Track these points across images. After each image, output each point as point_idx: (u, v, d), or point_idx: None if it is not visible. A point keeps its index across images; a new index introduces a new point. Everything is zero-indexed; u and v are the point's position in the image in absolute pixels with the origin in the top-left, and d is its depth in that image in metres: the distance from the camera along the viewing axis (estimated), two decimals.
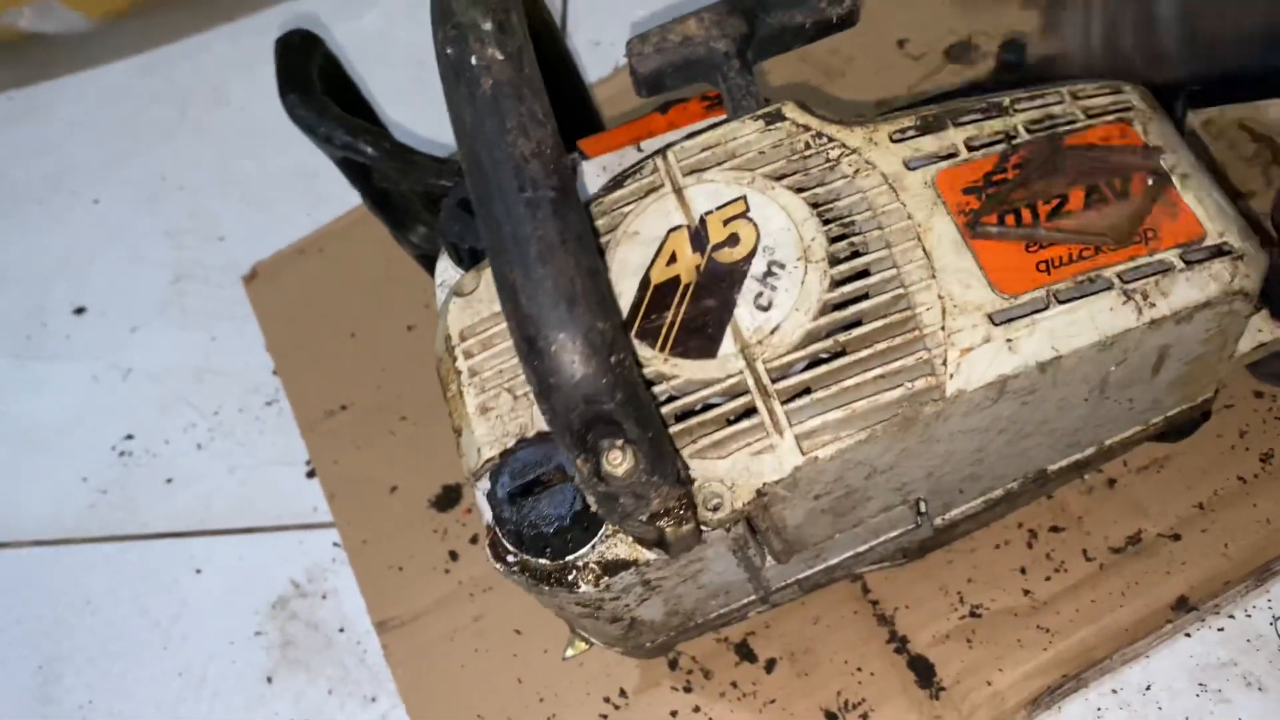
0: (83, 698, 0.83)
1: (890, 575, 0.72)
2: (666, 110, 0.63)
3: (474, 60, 0.44)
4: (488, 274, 0.57)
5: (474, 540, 0.82)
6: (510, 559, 0.51)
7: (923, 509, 0.59)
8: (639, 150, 0.62)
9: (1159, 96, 0.55)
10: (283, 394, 0.91)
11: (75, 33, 1.10)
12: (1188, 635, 0.67)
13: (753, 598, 0.63)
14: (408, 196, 0.68)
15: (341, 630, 0.81)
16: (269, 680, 0.81)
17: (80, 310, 1.00)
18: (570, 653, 0.68)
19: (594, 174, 0.62)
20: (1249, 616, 0.67)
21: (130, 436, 0.93)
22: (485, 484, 0.52)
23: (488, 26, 0.45)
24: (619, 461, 0.42)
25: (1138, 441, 0.62)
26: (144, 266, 1.01)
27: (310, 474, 0.87)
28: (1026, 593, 0.70)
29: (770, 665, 0.71)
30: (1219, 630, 0.67)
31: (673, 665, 0.72)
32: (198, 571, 0.86)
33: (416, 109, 0.95)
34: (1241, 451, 0.70)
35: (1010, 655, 0.68)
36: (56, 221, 1.05)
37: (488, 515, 0.53)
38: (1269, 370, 0.63)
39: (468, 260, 0.61)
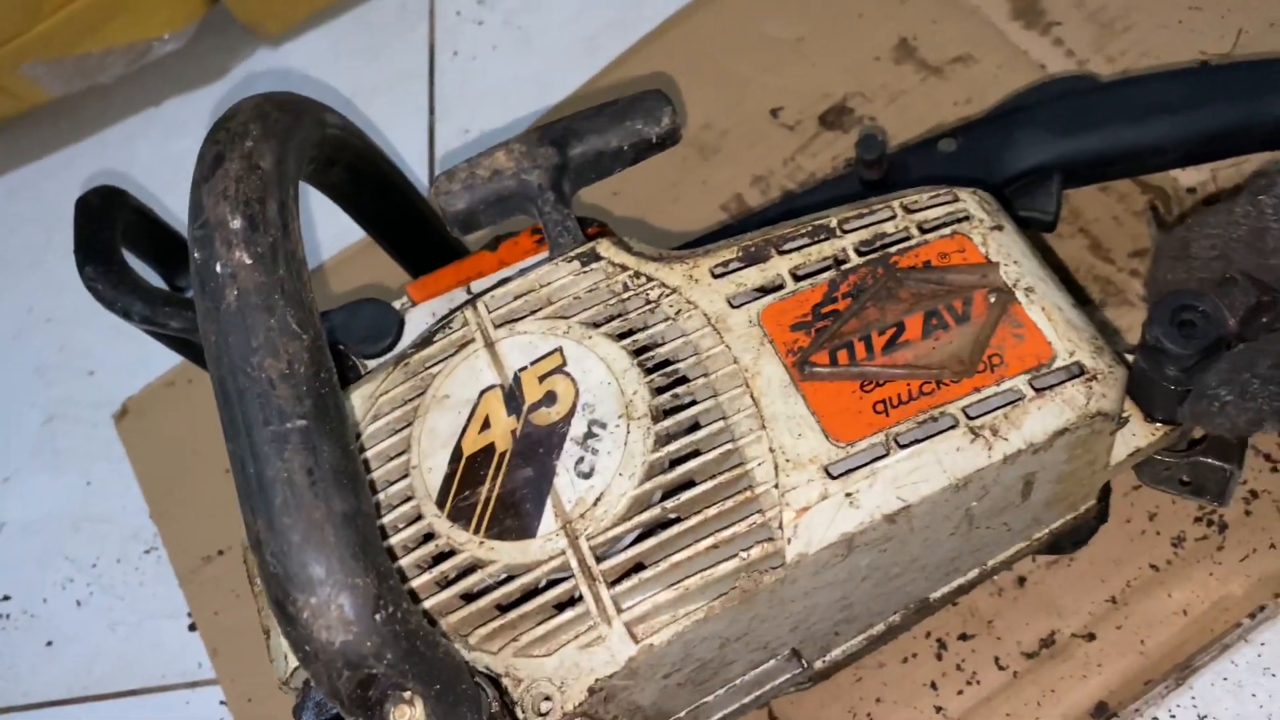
0: None
1: (795, 699, 0.67)
2: (496, 246, 0.58)
3: (218, 267, 0.40)
4: None
5: None
6: None
7: (798, 657, 0.54)
8: (469, 293, 0.57)
9: None
10: (160, 540, 0.86)
11: None
12: None
13: None
14: None
15: None
16: None
17: None
18: None
19: (423, 321, 0.57)
20: (1173, 718, 0.62)
21: (7, 598, 0.87)
22: (294, 699, 0.48)
23: (236, 225, 0.40)
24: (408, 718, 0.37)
25: (1026, 555, 0.58)
26: (13, 407, 0.95)
27: (192, 627, 0.82)
28: (939, 709, 0.65)
29: None
30: None
31: None
32: None
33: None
34: (1152, 536, 0.65)
35: None
36: None
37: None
38: (1154, 475, 0.59)
39: None
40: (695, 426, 0.47)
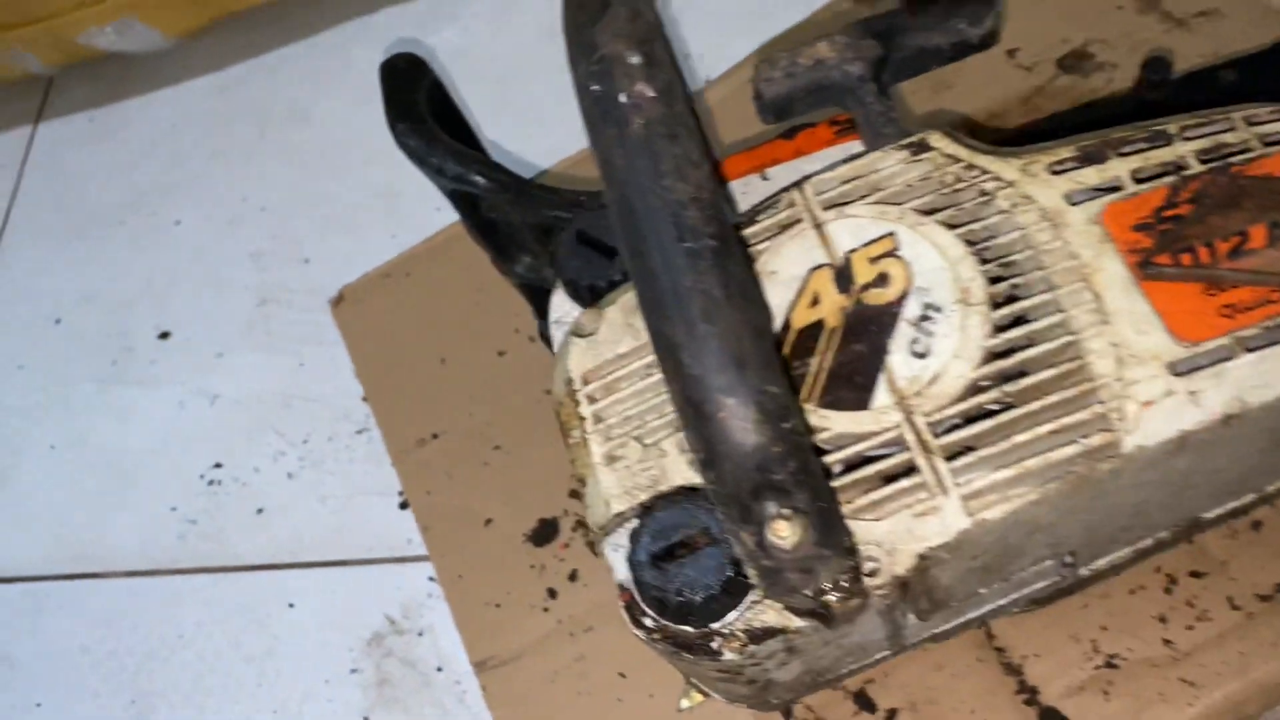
0: None
1: (1016, 621, 0.68)
2: (793, 136, 0.59)
3: (622, 97, 0.41)
4: (610, 313, 0.54)
5: (573, 577, 0.79)
6: (649, 624, 0.48)
7: (1070, 560, 0.55)
8: (764, 179, 0.59)
9: None
10: (373, 421, 0.89)
11: (153, 51, 1.09)
12: None
13: (886, 652, 0.60)
14: (515, 226, 0.66)
15: (439, 669, 0.79)
16: None
17: (165, 335, 0.99)
18: (685, 704, 0.65)
19: None
20: None
21: (219, 465, 0.91)
22: (617, 540, 0.49)
23: (635, 60, 0.42)
24: (786, 534, 0.39)
25: None
26: (228, 290, 0.99)
27: (403, 505, 0.85)
28: (1167, 642, 0.66)
29: (891, 716, 0.68)
30: None
31: (787, 715, 0.69)
32: (290, 605, 0.84)
33: (500, 126, 0.92)
34: None
35: (1151, 710, 0.64)
36: (138, 244, 1.04)
37: (621, 573, 0.50)
38: None
39: (587, 297, 0.58)
40: (1030, 318, 0.48)
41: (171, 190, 1.06)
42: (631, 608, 0.48)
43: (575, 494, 0.78)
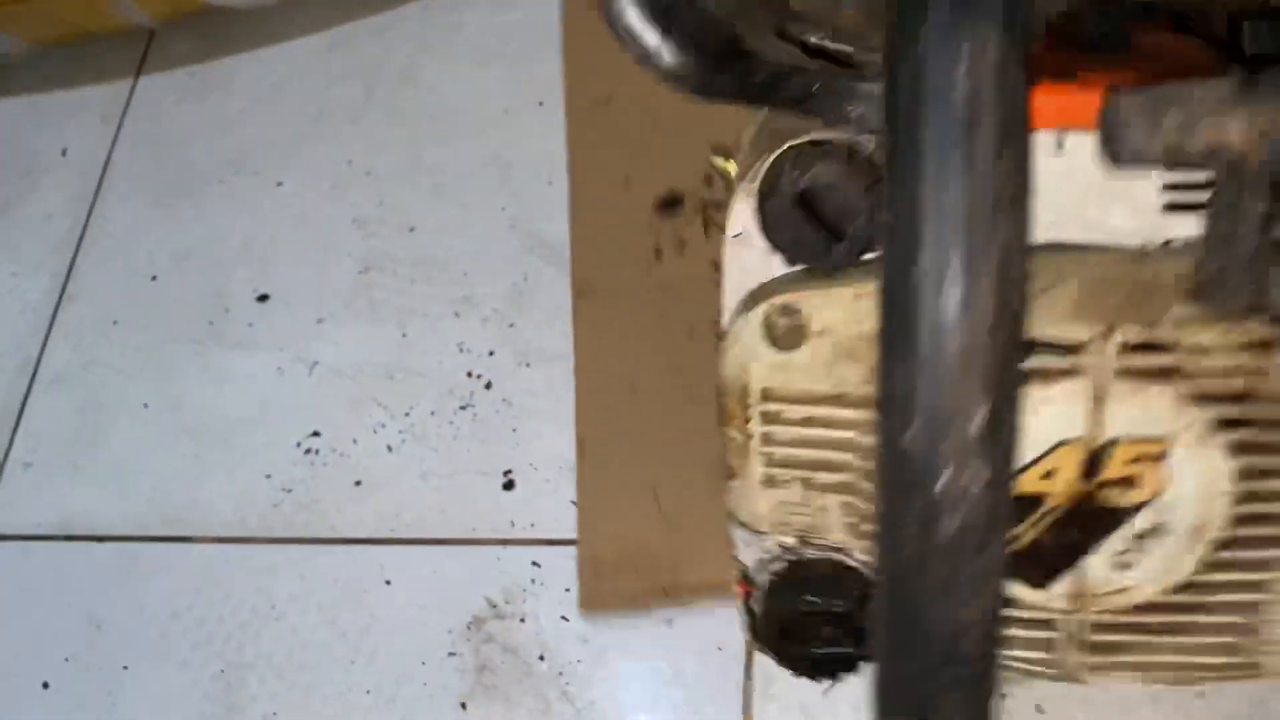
0: (267, 708, 0.80)
1: None
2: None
3: (940, 484, 0.28)
4: (816, 345, 0.46)
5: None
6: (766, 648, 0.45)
7: None
8: (1059, 148, 0.42)
9: None
10: (477, 399, 0.86)
11: (259, 6, 1.06)
12: None
13: None
14: None
15: (541, 658, 0.76)
16: (463, 706, 0.76)
17: (264, 298, 0.96)
18: None
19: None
20: None
21: (317, 434, 0.89)
22: (757, 550, 0.46)
23: (976, 423, 0.28)
24: None
25: None
26: (330, 255, 0.97)
27: (507, 485, 0.82)
28: None
29: None
30: None
31: None
32: (387, 583, 0.82)
33: None
34: None
35: None
36: (239, 204, 1.02)
37: (756, 574, 0.47)
38: None
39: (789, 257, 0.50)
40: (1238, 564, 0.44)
41: (273, 150, 1.03)
42: (751, 617, 0.45)
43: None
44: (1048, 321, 0.43)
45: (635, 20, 0.36)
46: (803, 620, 0.47)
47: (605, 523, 0.77)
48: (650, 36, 0.37)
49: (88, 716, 0.82)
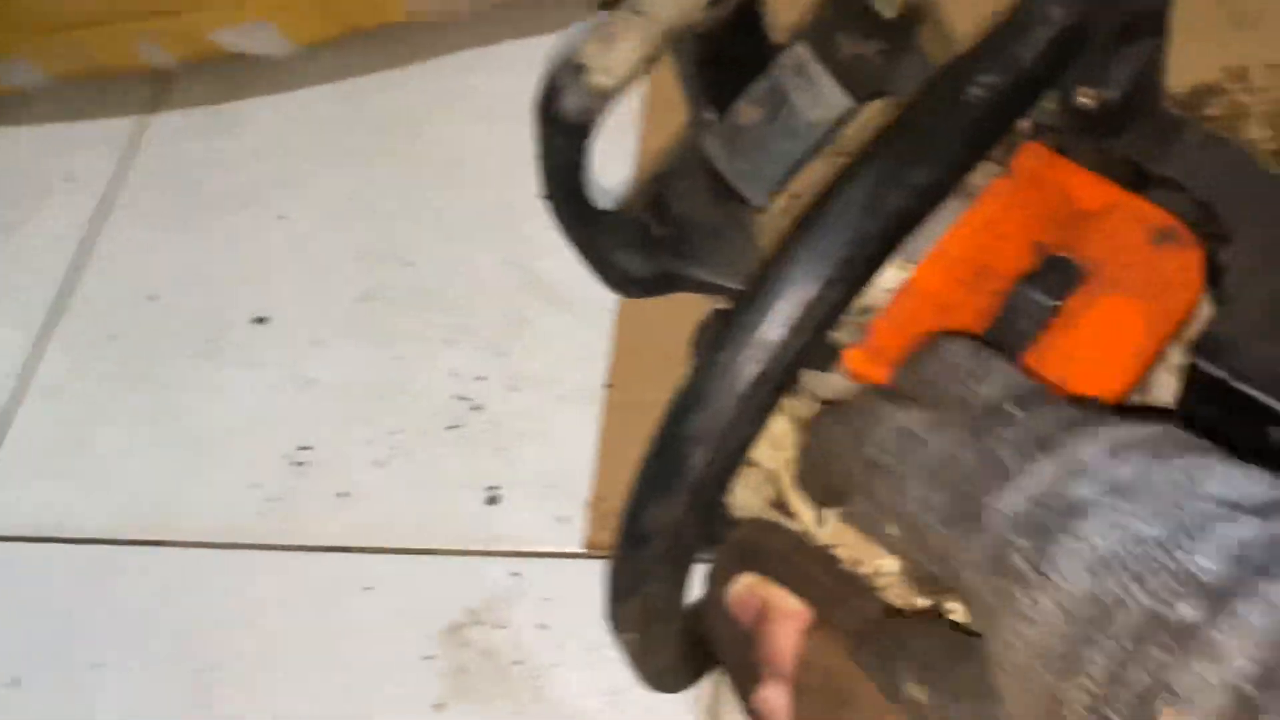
0: (238, 708, 0.81)
1: None
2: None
3: None
4: None
5: None
6: None
7: None
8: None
9: None
10: (465, 420, 0.90)
11: (279, 55, 1.13)
12: None
13: None
14: None
15: (518, 663, 0.79)
16: (438, 708, 0.78)
17: (262, 319, 1.00)
18: None
19: None
20: None
21: (306, 447, 0.92)
22: None
23: None
24: None
25: None
26: (330, 282, 1.01)
27: (491, 500, 0.86)
28: None
29: None
30: None
31: None
32: (367, 589, 0.84)
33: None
34: None
35: None
36: (242, 232, 1.06)
37: None
38: None
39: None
40: None
41: (281, 185, 1.08)
42: None
43: None
44: None
45: None
46: None
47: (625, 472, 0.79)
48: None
49: (57, 714, 0.83)
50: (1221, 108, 0.97)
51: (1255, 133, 0.95)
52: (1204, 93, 0.98)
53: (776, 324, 0.40)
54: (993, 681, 0.31)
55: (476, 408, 0.91)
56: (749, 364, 0.40)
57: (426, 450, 0.89)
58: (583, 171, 0.53)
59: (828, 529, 0.44)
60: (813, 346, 0.40)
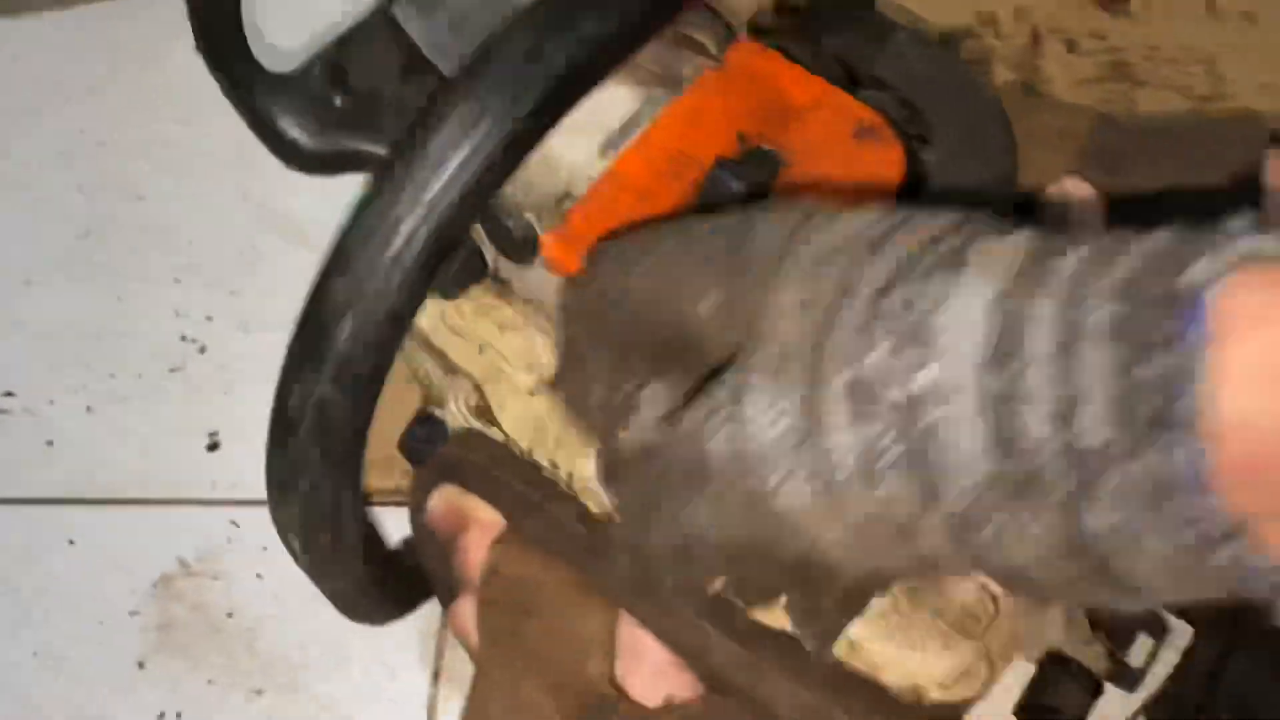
0: None
1: None
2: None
3: None
4: None
5: None
6: None
7: None
8: None
9: None
10: (189, 362, 0.84)
11: None
12: None
13: None
14: None
15: (230, 615, 0.73)
16: (140, 665, 0.72)
17: None
18: None
19: None
20: None
21: (9, 394, 0.84)
22: None
23: None
24: None
25: None
26: (47, 220, 0.93)
27: (212, 447, 0.80)
28: None
29: None
30: None
31: None
32: (71, 543, 0.77)
33: None
34: None
35: None
36: None
37: None
38: None
39: None
40: None
41: (2, 118, 0.99)
42: None
43: None
44: None
45: None
46: None
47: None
48: None
49: None
50: (972, 51, 0.99)
51: (1002, 75, 0.97)
52: (958, 36, 1.00)
53: (432, 179, 0.37)
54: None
55: (202, 349, 0.85)
56: (399, 223, 0.37)
57: (143, 395, 0.83)
58: (237, 23, 0.48)
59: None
60: (471, 208, 0.37)
